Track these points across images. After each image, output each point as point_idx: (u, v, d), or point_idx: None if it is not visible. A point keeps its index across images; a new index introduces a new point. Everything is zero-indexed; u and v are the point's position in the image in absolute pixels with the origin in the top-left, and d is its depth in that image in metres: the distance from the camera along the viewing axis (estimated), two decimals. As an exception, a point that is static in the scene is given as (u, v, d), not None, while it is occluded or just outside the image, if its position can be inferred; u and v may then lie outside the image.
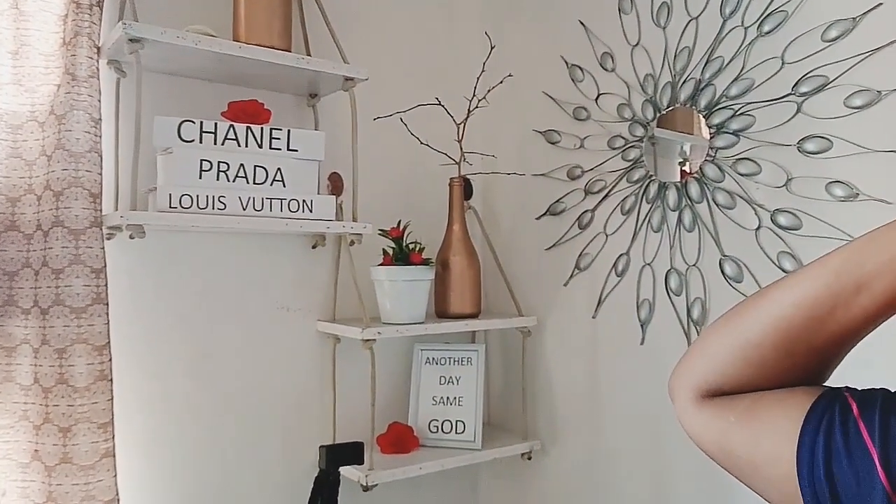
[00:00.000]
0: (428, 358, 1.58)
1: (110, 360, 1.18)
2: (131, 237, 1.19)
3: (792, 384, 0.56)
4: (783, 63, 1.15)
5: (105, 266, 1.18)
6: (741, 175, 1.21)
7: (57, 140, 1.16)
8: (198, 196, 1.20)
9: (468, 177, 1.60)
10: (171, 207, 1.18)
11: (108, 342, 1.18)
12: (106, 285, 1.18)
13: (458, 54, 1.72)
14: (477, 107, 1.54)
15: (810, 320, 0.54)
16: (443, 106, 1.52)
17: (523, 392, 1.59)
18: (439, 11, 1.74)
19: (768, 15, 1.17)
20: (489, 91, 1.55)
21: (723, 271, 1.24)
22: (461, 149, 1.55)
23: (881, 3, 1.03)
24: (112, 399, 1.18)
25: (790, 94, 1.14)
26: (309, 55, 1.44)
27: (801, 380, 0.57)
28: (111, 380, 1.18)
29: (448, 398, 1.54)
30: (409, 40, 1.68)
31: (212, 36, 1.23)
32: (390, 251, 1.45)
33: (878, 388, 0.51)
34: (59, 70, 1.18)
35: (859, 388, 0.52)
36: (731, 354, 0.58)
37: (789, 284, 0.56)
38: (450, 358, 1.57)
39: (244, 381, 1.42)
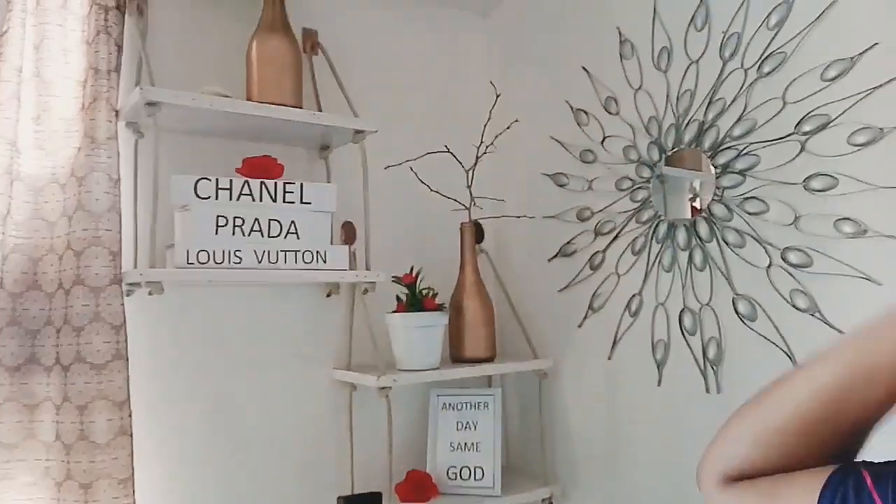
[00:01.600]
0: (444, 403, 1.58)
1: (130, 415, 1.20)
2: (150, 293, 1.21)
3: (817, 466, 0.57)
4: (784, 103, 1.17)
5: (125, 322, 1.20)
6: (749, 214, 1.22)
7: (77, 201, 1.20)
8: (214, 251, 1.23)
9: (479, 221, 1.62)
10: (188, 263, 1.20)
11: (128, 397, 1.20)
12: (126, 341, 1.20)
13: (464, 102, 1.76)
14: (485, 153, 1.57)
15: (828, 410, 0.56)
16: (451, 153, 1.55)
17: (542, 435, 1.59)
18: (445, 62, 1.78)
19: (767, 56, 1.19)
20: (496, 137, 1.58)
21: (736, 310, 1.24)
22: (471, 194, 1.57)
23: (878, 43, 1.05)
24: (132, 454, 1.19)
25: (793, 133, 1.15)
26: (320, 110, 1.48)
27: (826, 460, 0.57)
28: (131, 435, 1.19)
29: (466, 444, 1.54)
30: (417, 91, 1.72)
31: (225, 96, 1.27)
32: (404, 298, 1.46)
33: (894, 460, 0.52)
34: (78, 133, 1.23)
35: (876, 462, 0.53)
36: (754, 440, 0.60)
37: (808, 376, 0.58)
38: (466, 403, 1.57)
39: (261, 431, 1.43)
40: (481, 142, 1.57)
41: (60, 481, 1.15)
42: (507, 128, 1.60)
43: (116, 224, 1.22)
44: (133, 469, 1.19)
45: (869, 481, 0.51)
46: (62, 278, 1.19)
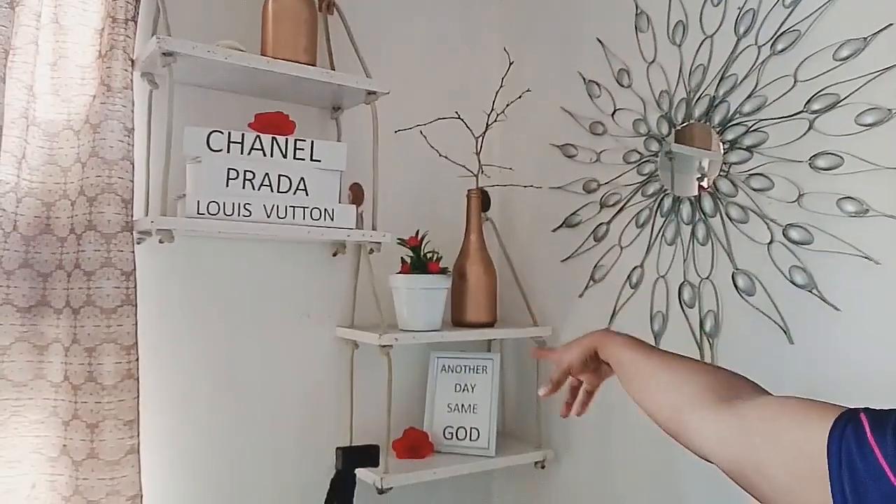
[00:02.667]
0: (444, 366, 1.61)
1: (137, 359, 1.23)
2: (161, 242, 1.23)
3: None
4: (796, 81, 1.17)
5: (135, 269, 1.23)
6: (754, 190, 1.23)
7: (91, 148, 1.21)
8: (224, 203, 1.24)
9: (486, 189, 1.63)
10: (198, 214, 1.22)
11: (136, 342, 1.22)
12: (135, 287, 1.23)
13: (477, 69, 1.76)
14: (495, 121, 1.58)
15: None
16: (462, 120, 1.56)
17: (537, 401, 1.62)
18: (459, 28, 1.78)
19: (781, 34, 1.19)
20: (507, 105, 1.59)
21: (735, 285, 1.26)
22: (479, 161, 1.58)
23: (892, 24, 1.05)
24: (138, 398, 1.22)
25: (802, 111, 1.16)
26: (333, 69, 1.49)
27: None
28: (137, 379, 1.22)
29: (463, 405, 1.57)
30: (430, 55, 1.72)
31: (241, 51, 1.28)
32: (408, 260, 1.48)
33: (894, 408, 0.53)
34: (94, 81, 1.24)
35: (876, 409, 0.53)
36: None
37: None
38: (465, 366, 1.60)
39: (264, 383, 1.46)
40: (492, 109, 1.58)
41: (68, 420, 1.18)
42: (519, 97, 1.60)
43: (129, 172, 1.23)
44: (139, 412, 1.22)
45: (868, 432, 0.51)
46: (74, 223, 1.21)
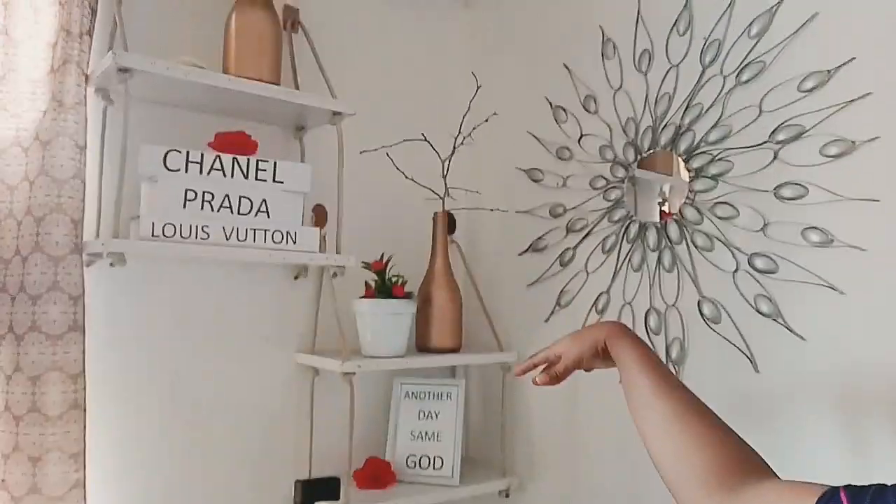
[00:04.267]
0: (407, 392, 1.57)
1: (84, 388, 1.16)
2: (112, 265, 1.18)
3: None
4: (761, 111, 1.18)
5: (83, 293, 1.17)
6: (719, 218, 1.23)
7: (41, 166, 1.16)
8: (181, 225, 1.20)
9: (452, 212, 1.61)
10: (153, 236, 1.17)
11: (83, 370, 1.16)
12: (83, 312, 1.17)
13: (444, 92, 1.75)
14: (462, 143, 1.57)
15: None
16: (428, 142, 1.54)
17: (502, 428, 1.59)
18: (427, 50, 1.77)
19: (747, 65, 1.20)
20: (474, 129, 1.58)
21: (701, 312, 1.25)
22: (446, 184, 1.56)
23: (855, 58, 1.07)
24: (85, 428, 1.16)
25: (767, 141, 1.17)
26: (297, 89, 1.45)
27: None
28: (84, 409, 1.16)
29: (426, 433, 1.53)
30: (397, 77, 1.70)
31: (200, 67, 1.24)
32: (373, 284, 1.45)
33: (872, 484, 0.57)
34: (45, 97, 1.18)
35: (855, 485, 0.57)
36: None
37: None
38: (429, 392, 1.57)
39: (219, 411, 1.41)
40: (459, 132, 1.57)
41: (8, 453, 1.11)
42: (486, 120, 1.59)
43: (80, 192, 1.18)
44: (85, 443, 1.16)
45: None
46: (20, 244, 1.15)
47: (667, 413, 0.78)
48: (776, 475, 0.69)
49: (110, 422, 1.28)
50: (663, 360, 1.30)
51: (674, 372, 1.29)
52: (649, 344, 1.31)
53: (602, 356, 0.93)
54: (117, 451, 1.29)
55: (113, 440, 1.28)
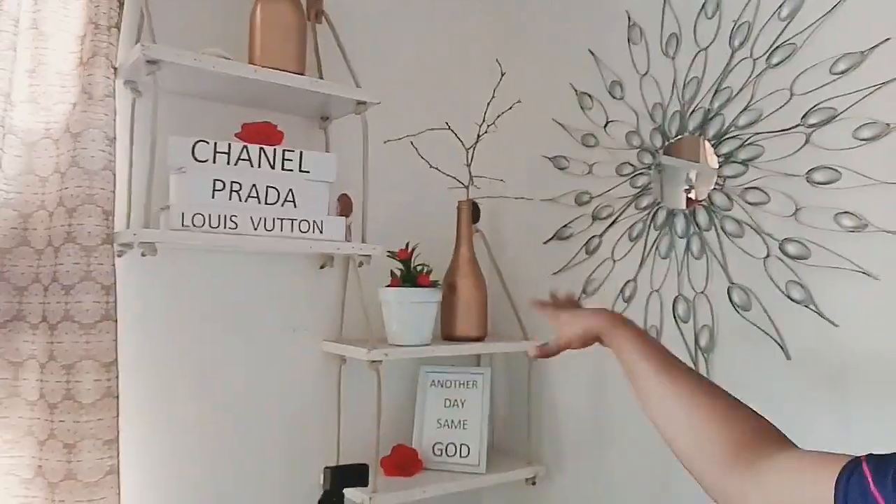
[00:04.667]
0: (433, 380, 1.58)
1: (117, 376, 1.18)
2: (143, 255, 1.19)
3: None
4: (792, 94, 1.16)
5: (115, 283, 1.19)
6: (750, 204, 1.22)
7: (71, 157, 1.17)
8: (210, 215, 1.21)
9: (476, 200, 1.61)
10: (182, 226, 1.19)
11: (116, 359, 1.18)
12: (115, 302, 1.19)
13: (468, 80, 1.74)
14: (486, 132, 1.56)
15: None
16: (452, 131, 1.54)
17: (528, 416, 1.59)
18: (451, 38, 1.76)
19: (777, 47, 1.18)
20: (499, 116, 1.57)
21: (731, 299, 1.24)
22: (470, 173, 1.56)
23: (890, 38, 1.04)
24: (118, 416, 1.18)
25: (799, 125, 1.15)
26: (322, 78, 1.46)
27: None
28: (117, 397, 1.18)
29: (453, 421, 1.54)
30: (421, 66, 1.70)
31: (227, 59, 1.25)
32: (398, 273, 1.45)
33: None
34: (75, 89, 1.20)
35: (878, 454, 0.57)
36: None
37: None
38: (455, 381, 1.57)
39: (249, 400, 1.42)
40: (483, 120, 1.56)
41: (43, 440, 1.14)
42: (510, 108, 1.58)
43: (110, 183, 1.19)
44: (118, 430, 1.17)
45: (870, 481, 0.54)
46: (52, 235, 1.17)
47: (676, 394, 0.77)
48: (794, 445, 0.68)
49: (142, 409, 1.30)
50: (691, 347, 1.29)
51: (703, 360, 1.28)
52: (680, 333, 1.31)
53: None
54: (150, 438, 1.31)
55: (145, 427, 1.31)
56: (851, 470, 0.56)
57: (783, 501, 0.61)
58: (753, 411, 0.73)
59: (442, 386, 1.57)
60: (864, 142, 1.07)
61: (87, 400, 1.15)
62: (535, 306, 1.03)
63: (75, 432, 1.14)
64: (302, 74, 1.35)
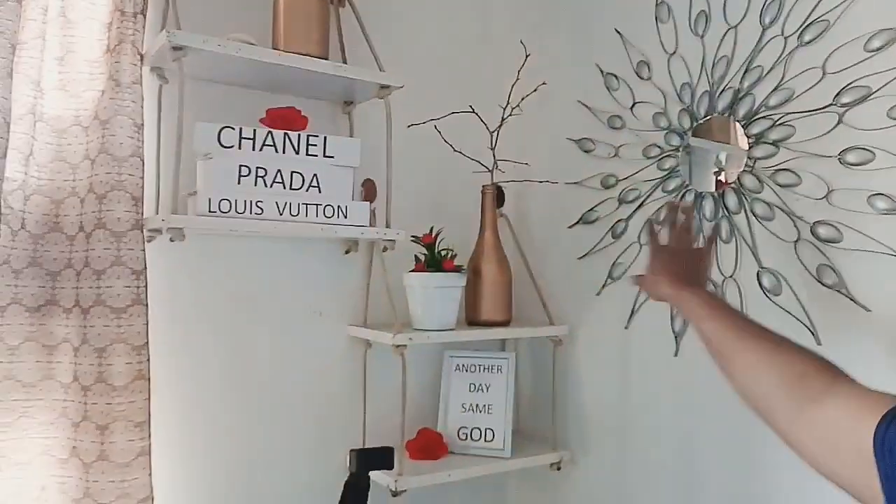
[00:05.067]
0: (458, 365, 1.58)
1: (148, 360, 1.21)
2: (171, 240, 1.21)
3: None
4: (824, 73, 1.13)
5: (145, 268, 1.21)
6: (780, 186, 1.19)
7: (101, 144, 1.19)
8: (236, 201, 1.22)
9: (500, 184, 1.60)
10: (210, 212, 1.20)
11: (147, 342, 1.20)
12: (146, 286, 1.21)
13: (492, 62, 1.73)
14: (511, 115, 1.55)
15: None
16: (476, 114, 1.53)
17: (553, 401, 1.59)
18: (474, 20, 1.75)
19: (809, 24, 1.15)
20: (523, 99, 1.55)
21: (761, 284, 1.22)
22: (494, 156, 1.55)
23: (927, 13, 1.01)
24: (149, 398, 1.20)
25: (831, 104, 1.12)
26: (345, 63, 1.45)
27: None
28: (148, 379, 1.20)
29: (478, 406, 1.54)
30: (444, 48, 1.69)
31: (251, 44, 1.25)
32: (422, 258, 1.45)
33: None
34: (103, 76, 1.21)
35: None
36: None
37: None
38: (480, 365, 1.57)
39: (276, 383, 1.44)
40: (507, 103, 1.55)
41: (77, 422, 1.17)
42: (535, 90, 1.57)
43: (139, 169, 1.21)
44: (150, 413, 1.20)
45: None
46: (84, 221, 1.19)
47: (749, 350, 0.83)
48: (848, 378, 0.73)
49: (173, 393, 1.32)
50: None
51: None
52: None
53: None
54: (180, 421, 1.34)
55: (175, 410, 1.33)
56: (893, 417, 0.58)
57: (829, 445, 0.66)
58: (809, 351, 0.79)
59: (466, 370, 1.57)
60: (899, 121, 1.04)
61: (120, 382, 1.17)
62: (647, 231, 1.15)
63: (108, 414, 1.16)
64: (325, 59, 1.35)
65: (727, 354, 0.85)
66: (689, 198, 1.35)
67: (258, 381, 1.42)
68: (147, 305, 1.20)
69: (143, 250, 1.20)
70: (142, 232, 1.21)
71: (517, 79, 1.55)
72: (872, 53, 1.07)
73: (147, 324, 1.20)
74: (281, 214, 1.26)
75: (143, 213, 1.21)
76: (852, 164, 1.10)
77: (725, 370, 0.86)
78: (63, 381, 1.18)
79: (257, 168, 1.25)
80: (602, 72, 1.52)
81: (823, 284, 1.13)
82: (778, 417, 0.75)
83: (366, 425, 1.51)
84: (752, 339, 0.84)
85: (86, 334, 1.17)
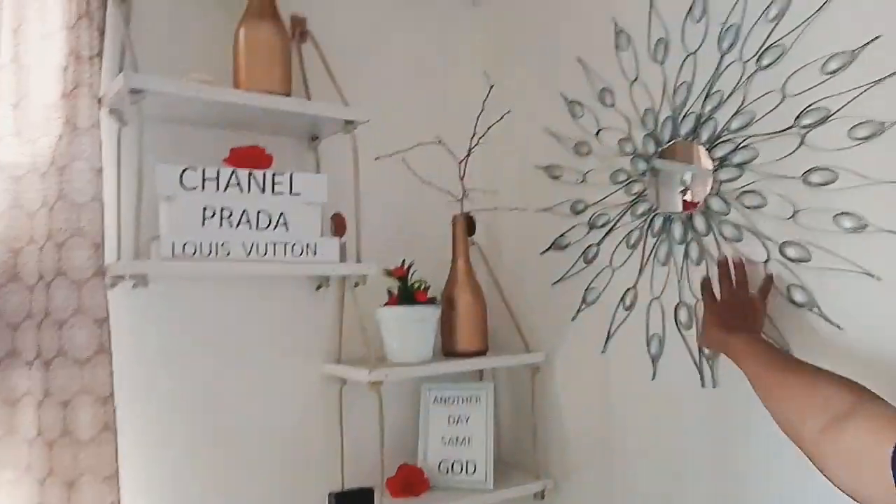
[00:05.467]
0: (436, 397, 1.56)
1: (114, 410, 1.17)
2: (134, 286, 1.18)
3: None
4: (784, 96, 1.15)
5: (108, 316, 1.17)
6: (747, 208, 1.20)
7: (59, 190, 1.16)
8: (201, 243, 1.19)
9: (471, 213, 1.59)
10: (174, 255, 1.17)
11: (112, 392, 1.17)
12: (109, 334, 1.17)
13: (457, 93, 1.73)
14: (478, 144, 1.55)
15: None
16: (443, 144, 1.53)
17: (534, 430, 1.57)
18: (437, 51, 1.75)
19: (766, 49, 1.17)
20: (489, 128, 1.56)
21: (732, 304, 1.22)
22: (463, 186, 1.55)
23: (880, 36, 1.03)
24: (117, 450, 1.16)
25: (792, 126, 1.14)
26: (309, 99, 1.44)
27: None
28: (115, 430, 1.16)
29: (457, 438, 1.52)
30: (409, 80, 1.69)
31: (212, 84, 1.24)
32: (395, 291, 1.44)
33: None
34: (59, 121, 1.18)
35: None
36: None
37: None
38: (458, 397, 1.56)
39: (249, 427, 1.40)
40: (474, 133, 1.55)
41: (43, 478, 1.12)
42: (500, 119, 1.57)
43: (99, 215, 1.18)
44: (118, 465, 1.16)
45: None
46: (43, 270, 1.16)
47: (783, 387, 0.89)
48: (871, 396, 0.77)
49: (141, 443, 1.28)
50: (695, 355, 1.28)
51: (708, 367, 1.26)
52: (683, 340, 1.29)
53: None
54: (149, 472, 1.29)
55: (144, 461, 1.29)
56: None
57: (851, 464, 0.69)
58: (834, 375, 0.86)
59: (445, 403, 1.55)
60: (860, 141, 1.05)
61: (86, 435, 1.13)
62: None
63: (74, 469, 1.12)
64: (289, 96, 1.34)
65: (766, 389, 0.93)
66: (658, 221, 1.35)
67: (230, 426, 1.38)
68: (111, 354, 1.17)
69: (106, 297, 1.17)
70: (103, 279, 1.17)
71: (482, 109, 1.55)
72: (830, 76, 1.09)
73: (112, 373, 1.16)
74: (248, 255, 1.24)
75: (104, 260, 1.18)
76: (817, 184, 1.11)
77: (766, 405, 0.92)
78: (27, 437, 1.14)
79: (222, 209, 1.23)
80: (566, 99, 1.53)
81: (795, 303, 1.14)
82: (803, 437, 0.80)
83: (344, 465, 1.48)
84: (790, 373, 0.89)
85: (49, 386, 1.13)
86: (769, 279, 1.15)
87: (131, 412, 1.26)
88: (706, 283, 1.22)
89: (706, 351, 1.26)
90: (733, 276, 1.18)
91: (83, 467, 1.13)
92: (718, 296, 1.20)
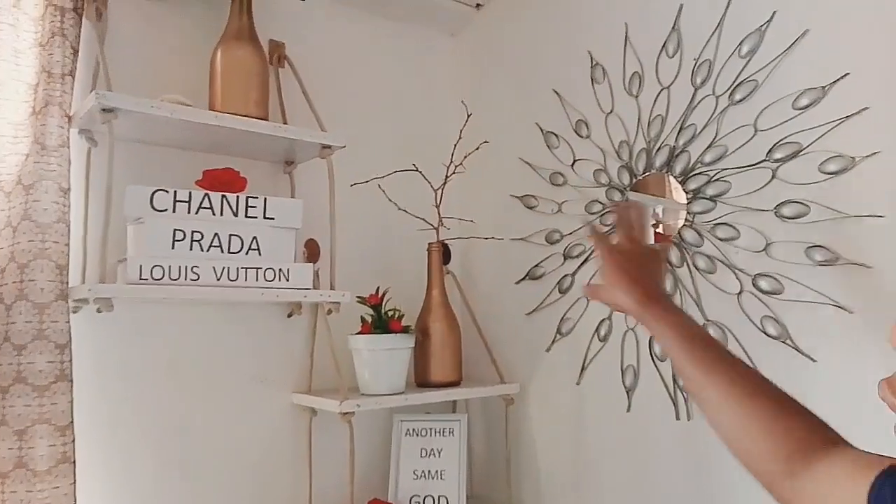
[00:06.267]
0: (408, 429, 1.53)
1: (73, 440, 1.12)
2: (98, 310, 1.14)
3: None
4: (756, 130, 1.17)
5: (70, 341, 1.13)
6: (720, 240, 1.21)
7: (24, 210, 1.12)
8: (170, 267, 1.16)
9: (446, 242, 1.58)
10: (141, 279, 1.14)
11: (72, 422, 1.12)
12: (70, 361, 1.13)
13: (434, 121, 1.74)
14: (454, 172, 1.55)
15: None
16: (420, 172, 1.52)
17: (508, 462, 1.55)
18: (415, 80, 1.76)
19: (739, 84, 1.19)
20: (466, 157, 1.56)
21: (706, 336, 1.22)
22: (439, 214, 1.54)
23: (849, 73, 1.06)
24: (75, 483, 1.11)
25: (764, 160, 1.15)
26: (285, 123, 1.43)
27: None
28: (74, 462, 1.11)
29: (430, 472, 1.49)
30: (386, 108, 1.69)
31: (186, 105, 1.22)
32: (369, 319, 1.41)
33: None
34: (28, 139, 1.15)
35: None
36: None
37: None
38: (431, 429, 1.53)
39: (215, 458, 1.36)
40: (451, 161, 1.55)
41: (-7, 513, 1.07)
42: (477, 148, 1.57)
43: (65, 236, 1.15)
44: (76, 499, 1.10)
45: None
46: (4, 292, 1.11)
47: (719, 391, 0.75)
48: (839, 443, 0.68)
49: (101, 475, 1.23)
50: (670, 386, 1.27)
51: (682, 399, 1.26)
52: (657, 372, 1.29)
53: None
54: (109, 505, 1.24)
55: (105, 494, 1.23)
56: (887, 475, 0.56)
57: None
58: (800, 406, 0.73)
59: (417, 435, 1.52)
60: (830, 175, 1.07)
61: (42, 467, 1.08)
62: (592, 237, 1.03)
63: (29, 503, 1.07)
64: (265, 119, 1.33)
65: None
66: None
67: (196, 456, 1.34)
68: (72, 382, 1.12)
69: (69, 322, 1.13)
70: (67, 302, 1.13)
71: (459, 137, 1.56)
72: (801, 111, 1.11)
73: (72, 402, 1.12)
74: (219, 279, 1.21)
75: (68, 283, 1.14)
76: (788, 218, 1.12)
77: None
78: (-23, 468, 1.08)
79: (193, 232, 1.20)
80: (542, 130, 1.55)
81: (768, 335, 1.14)
82: (761, 470, 0.70)
83: (312, 499, 1.44)
84: (723, 374, 0.76)
85: (5, 415, 1.08)
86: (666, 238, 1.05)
87: (91, 443, 1.21)
88: (596, 228, 1.05)
89: (591, 300, 1.06)
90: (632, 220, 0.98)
91: (39, 501, 1.07)
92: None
